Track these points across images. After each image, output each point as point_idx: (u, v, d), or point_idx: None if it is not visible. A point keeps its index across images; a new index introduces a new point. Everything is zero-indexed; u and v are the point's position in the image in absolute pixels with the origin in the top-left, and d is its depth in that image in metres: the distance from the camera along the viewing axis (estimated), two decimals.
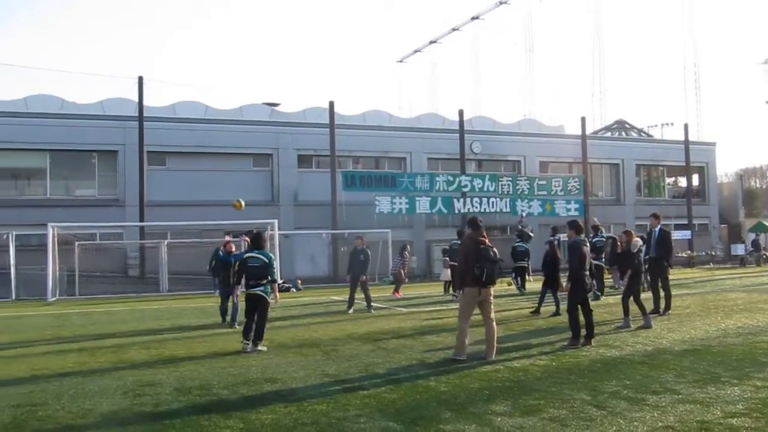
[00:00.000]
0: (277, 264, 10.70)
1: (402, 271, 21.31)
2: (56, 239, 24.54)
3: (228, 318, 14.01)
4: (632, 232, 12.92)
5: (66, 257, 25.28)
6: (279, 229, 26.77)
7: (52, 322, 15.66)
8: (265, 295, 10.52)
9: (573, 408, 6.42)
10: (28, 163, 30.51)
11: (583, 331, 10.15)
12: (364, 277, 16.36)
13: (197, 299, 22.26)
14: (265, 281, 10.48)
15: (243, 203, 17.70)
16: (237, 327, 12.95)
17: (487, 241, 9.30)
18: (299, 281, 26.50)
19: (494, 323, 9.32)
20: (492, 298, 9.34)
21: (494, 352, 9.15)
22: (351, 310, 16.01)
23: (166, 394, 7.48)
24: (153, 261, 27.99)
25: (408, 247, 22.67)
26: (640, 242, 12.73)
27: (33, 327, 14.77)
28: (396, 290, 20.81)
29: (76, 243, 26.17)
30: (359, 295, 16.48)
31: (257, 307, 10.51)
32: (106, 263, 28.00)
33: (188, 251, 27.76)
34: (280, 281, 25.43)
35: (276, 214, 30.03)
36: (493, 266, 9.12)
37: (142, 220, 28.35)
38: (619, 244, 15.57)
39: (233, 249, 14.54)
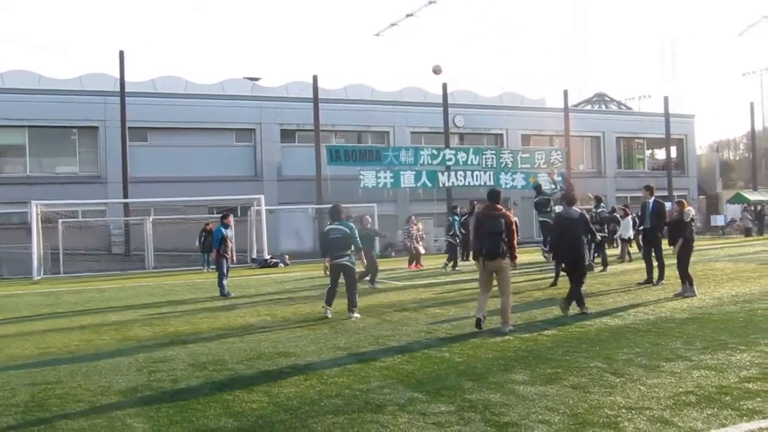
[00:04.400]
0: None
1: (410, 243, 21.28)
2: (39, 217, 24.23)
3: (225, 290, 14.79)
4: (684, 201, 12.84)
5: (49, 235, 24.98)
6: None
7: (45, 301, 15.52)
8: (350, 264, 10.87)
9: (591, 375, 6.52)
10: (6, 140, 29.98)
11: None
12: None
13: (185, 275, 22.16)
14: (349, 251, 10.81)
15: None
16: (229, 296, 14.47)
17: (498, 212, 9.21)
18: (287, 256, 26.45)
19: (507, 296, 9.26)
20: (507, 270, 9.26)
21: (507, 324, 9.14)
22: (371, 286, 15.73)
23: (181, 369, 7.47)
24: (137, 238, 27.78)
25: (413, 218, 22.44)
26: (693, 211, 12.69)
27: (26, 306, 14.63)
28: (417, 262, 21.07)
29: (60, 221, 25.85)
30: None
31: (344, 277, 10.92)
32: (89, 241, 27.77)
33: (173, 228, 27.59)
34: (267, 257, 25.49)
35: (259, 189, 29.94)
36: (491, 238, 9.06)
37: (126, 196, 28.04)
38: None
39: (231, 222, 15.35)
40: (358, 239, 10.98)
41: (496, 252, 9.05)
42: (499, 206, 9.32)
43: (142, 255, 26.94)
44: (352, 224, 11.03)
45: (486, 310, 9.28)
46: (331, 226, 10.96)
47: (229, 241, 14.93)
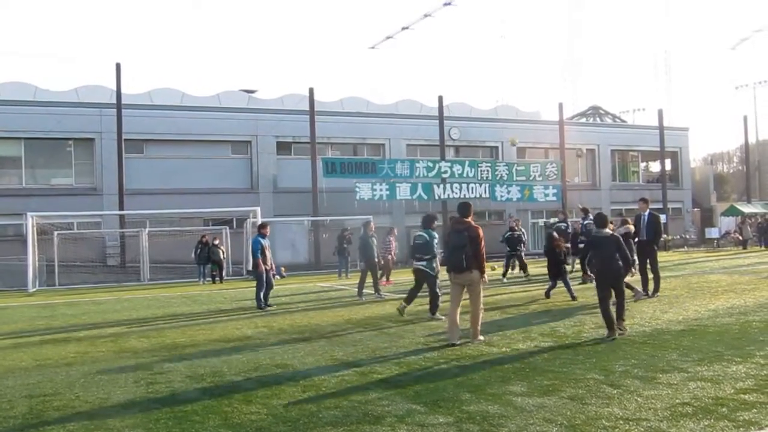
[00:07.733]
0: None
1: (389, 257, 20.34)
2: (35, 229, 24.18)
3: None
4: (628, 219, 12.93)
5: (44, 247, 24.93)
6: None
7: (41, 313, 15.48)
8: (427, 269, 11.59)
9: (589, 387, 6.55)
10: (1, 151, 29.98)
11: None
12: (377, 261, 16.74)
13: (181, 288, 22.11)
14: (428, 256, 11.54)
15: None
16: (271, 308, 14.41)
17: (463, 225, 9.15)
18: (283, 269, 26.39)
19: (477, 309, 9.19)
20: (478, 284, 9.15)
21: (476, 337, 9.12)
22: (378, 295, 15.72)
23: (179, 381, 7.47)
24: (133, 250, 27.72)
25: (394, 230, 22.02)
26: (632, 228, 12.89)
27: (22, 318, 14.59)
28: (385, 278, 19.64)
29: (56, 233, 25.79)
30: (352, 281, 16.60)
31: (422, 280, 11.89)
32: (85, 253, 27.69)
33: (168, 240, 27.58)
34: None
35: (255, 201, 29.98)
36: (454, 251, 9.06)
37: (121, 208, 28.01)
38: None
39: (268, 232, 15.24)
40: (434, 247, 11.67)
41: (459, 265, 9.05)
42: (466, 219, 9.24)
43: (138, 267, 26.88)
44: (434, 234, 11.68)
45: (459, 330, 9.22)
46: (418, 233, 11.78)
47: (267, 251, 14.69)
